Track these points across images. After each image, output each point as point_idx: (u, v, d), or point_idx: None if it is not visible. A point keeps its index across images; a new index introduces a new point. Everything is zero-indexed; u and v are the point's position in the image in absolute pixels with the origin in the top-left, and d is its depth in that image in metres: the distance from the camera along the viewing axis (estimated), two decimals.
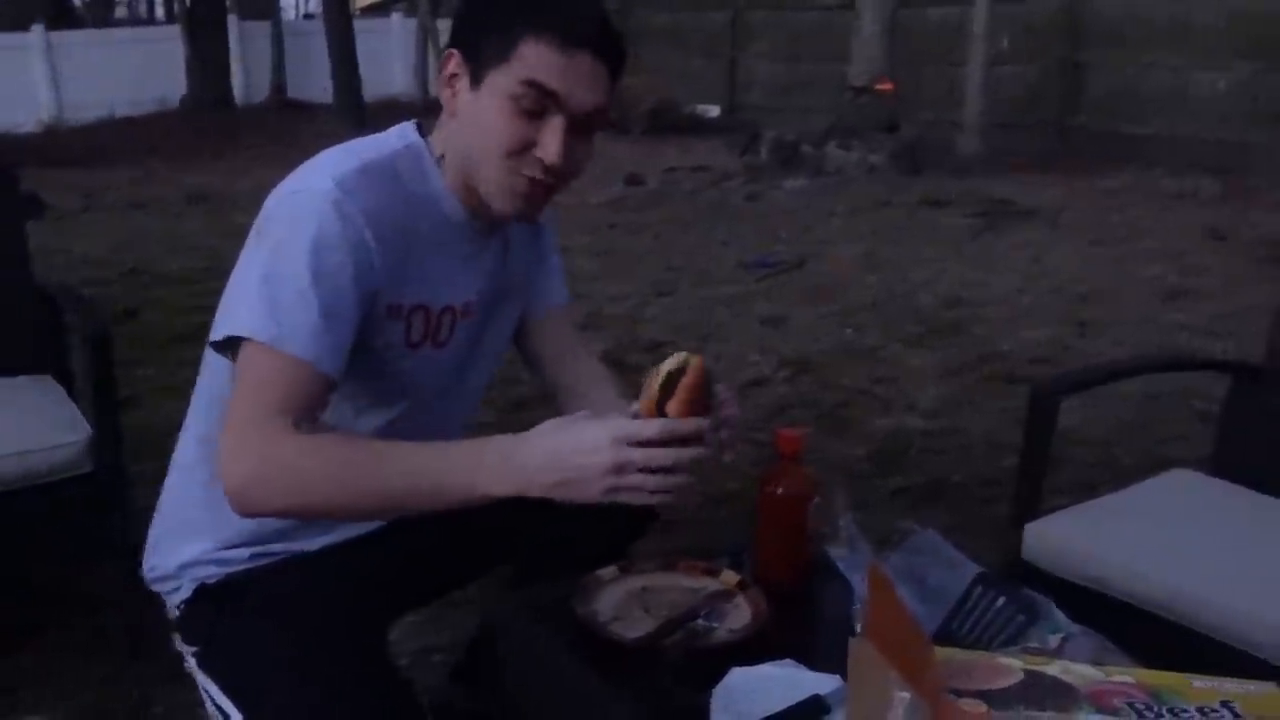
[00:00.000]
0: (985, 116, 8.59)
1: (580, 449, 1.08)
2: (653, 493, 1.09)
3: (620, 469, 1.07)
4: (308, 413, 1.15)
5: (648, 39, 14.68)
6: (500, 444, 1.12)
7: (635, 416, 1.14)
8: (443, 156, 1.29)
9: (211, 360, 1.30)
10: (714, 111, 12.44)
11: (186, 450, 1.40)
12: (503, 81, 1.19)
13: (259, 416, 1.11)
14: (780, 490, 1.35)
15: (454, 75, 1.24)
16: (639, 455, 1.07)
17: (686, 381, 1.13)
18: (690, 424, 1.11)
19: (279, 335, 1.13)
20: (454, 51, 1.23)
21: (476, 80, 1.21)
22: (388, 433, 1.33)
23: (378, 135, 1.32)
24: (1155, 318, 4.61)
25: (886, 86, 8.74)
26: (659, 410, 1.12)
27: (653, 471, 1.09)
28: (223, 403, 1.17)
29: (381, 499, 1.13)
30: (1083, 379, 2.50)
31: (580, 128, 1.22)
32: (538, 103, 1.19)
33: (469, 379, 1.44)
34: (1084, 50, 9.57)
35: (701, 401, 1.15)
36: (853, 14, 9.41)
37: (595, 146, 1.28)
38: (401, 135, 1.31)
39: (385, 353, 1.28)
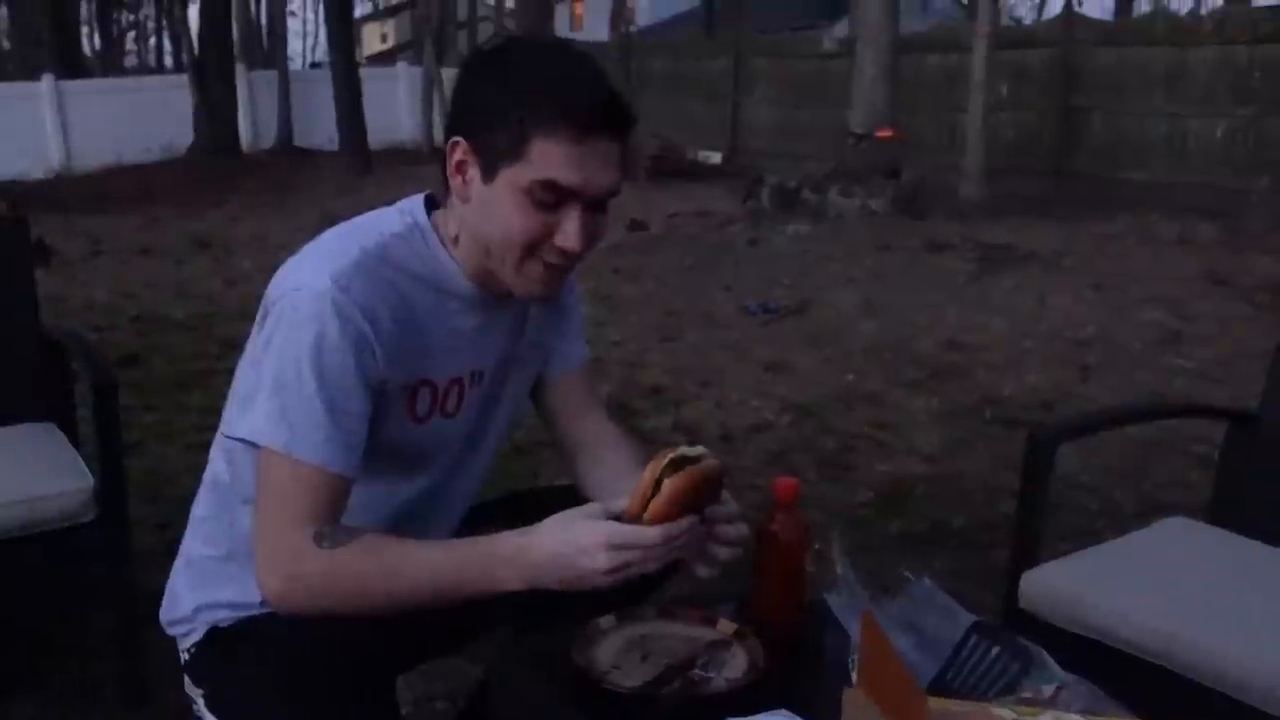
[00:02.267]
0: (985, 162, 8.67)
1: (580, 551, 1.13)
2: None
3: (615, 570, 1.13)
4: (330, 515, 1.21)
5: (650, 85, 14.85)
6: (511, 542, 1.17)
7: (621, 516, 1.16)
8: (457, 238, 1.29)
9: (222, 440, 1.35)
10: (716, 157, 12.54)
11: (199, 507, 1.44)
12: (518, 179, 1.19)
13: (283, 530, 1.19)
14: (777, 537, 1.36)
15: (462, 163, 1.24)
16: (634, 557, 1.13)
17: (676, 484, 1.15)
18: (683, 525, 1.15)
19: (290, 441, 1.19)
20: (460, 140, 1.23)
21: (489, 174, 1.21)
22: (410, 500, 1.39)
23: (383, 211, 1.33)
24: (1154, 362, 4.63)
25: (887, 134, 8.83)
26: (653, 490, 1.15)
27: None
28: (221, 486, 1.30)
29: (405, 602, 1.20)
30: (1081, 425, 2.52)
31: (597, 206, 1.24)
32: (555, 197, 1.20)
33: (484, 441, 1.46)
34: (1082, 96, 9.67)
35: (699, 498, 1.18)
36: (852, 61, 9.53)
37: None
38: (406, 213, 1.32)
39: (394, 429, 1.30)
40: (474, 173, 1.23)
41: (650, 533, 1.14)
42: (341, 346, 1.19)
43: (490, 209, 1.23)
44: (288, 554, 1.19)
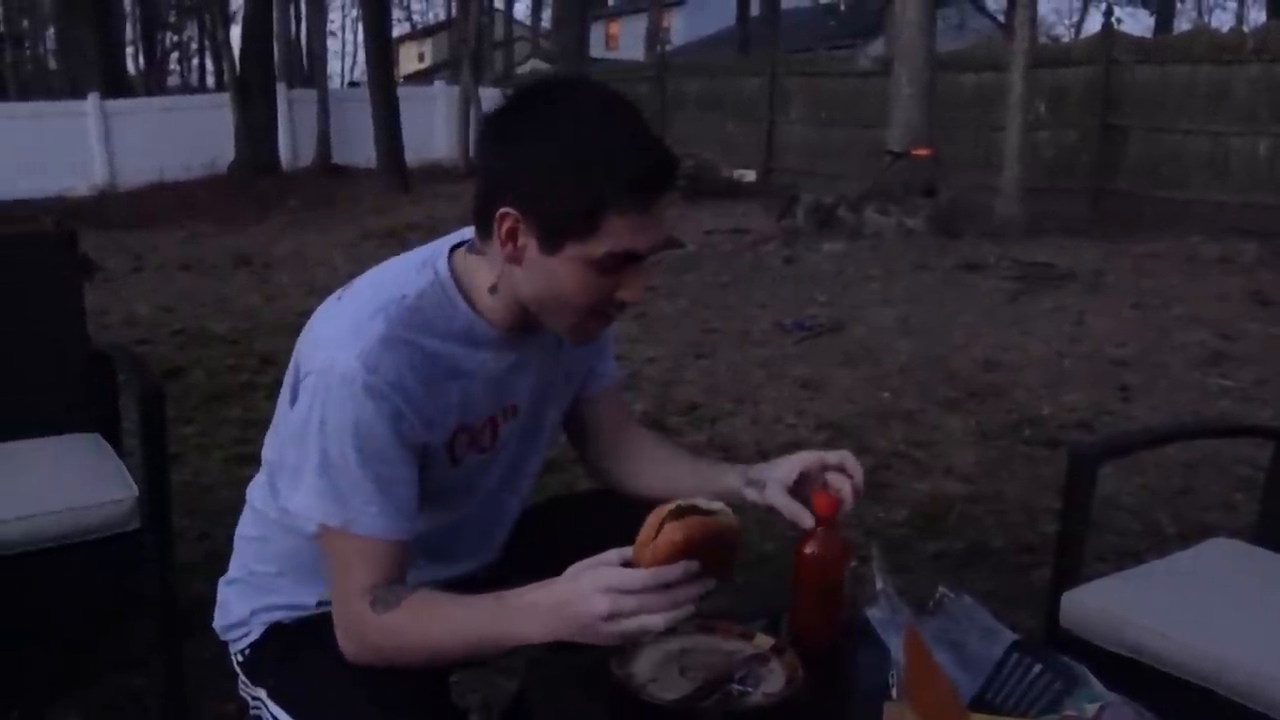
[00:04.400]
0: (1022, 180, 8.61)
1: (581, 598, 1.13)
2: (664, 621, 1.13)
3: (614, 616, 1.11)
4: (393, 577, 1.26)
5: (685, 105, 14.92)
6: (528, 596, 1.18)
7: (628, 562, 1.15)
8: (494, 287, 1.28)
9: (265, 486, 1.41)
10: (751, 175, 12.55)
11: (246, 528, 1.48)
12: (588, 253, 1.19)
13: (350, 601, 1.25)
14: (816, 553, 1.35)
15: (514, 230, 1.21)
16: (632, 603, 1.11)
17: (673, 530, 1.12)
18: (675, 570, 1.12)
19: (347, 520, 1.24)
20: (510, 211, 1.20)
21: (551, 247, 1.20)
22: (454, 528, 1.42)
23: (407, 261, 1.33)
24: (1195, 383, 4.57)
25: (923, 152, 8.80)
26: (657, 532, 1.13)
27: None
28: (267, 520, 1.39)
29: (449, 659, 1.28)
30: (1123, 444, 2.49)
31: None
32: (622, 262, 1.21)
33: (525, 467, 1.48)
34: (1121, 114, 9.59)
35: (705, 551, 1.14)
36: (888, 79, 9.52)
37: None
38: (429, 265, 1.31)
39: (437, 476, 1.33)
40: (528, 241, 1.21)
41: (639, 574, 1.12)
42: (379, 426, 1.22)
43: (550, 276, 1.22)
44: (355, 624, 1.25)
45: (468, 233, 1.32)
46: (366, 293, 1.30)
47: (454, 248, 1.33)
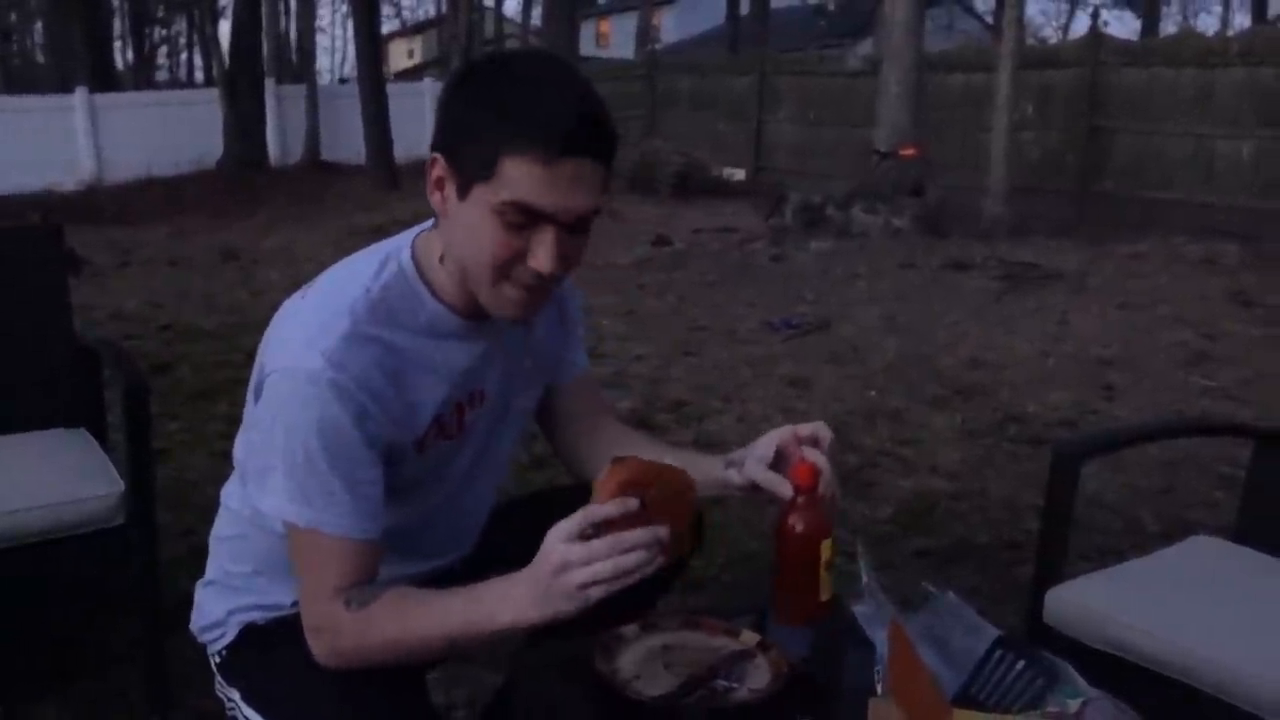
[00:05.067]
0: (1009, 181, 8.65)
1: (544, 558, 1.13)
2: (618, 576, 1.11)
3: (565, 567, 1.11)
4: (363, 576, 1.25)
5: (675, 103, 14.92)
6: (499, 584, 1.18)
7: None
8: (442, 257, 1.28)
9: (237, 485, 1.42)
10: (740, 174, 12.57)
11: (221, 528, 1.48)
12: (488, 198, 1.17)
13: (320, 602, 1.25)
14: (796, 523, 1.33)
15: (440, 179, 1.23)
16: (579, 551, 1.11)
17: (618, 469, 1.13)
18: (610, 508, 1.12)
19: (315, 519, 1.23)
20: (438, 157, 1.22)
21: (463, 191, 1.20)
22: (424, 517, 1.41)
23: (371, 255, 1.32)
24: (1178, 382, 4.60)
25: (910, 152, 8.83)
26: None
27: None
28: (242, 519, 1.39)
29: (429, 654, 1.27)
30: (1106, 441, 2.51)
31: (574, 229, 1.21)
32: (526, 219, 1.17)
33: (493, 457, 1.47)
34: (1107, 116, 9.63)
35: (655, 494, 1.15)
36: (876, 79, 9.54)
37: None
38: (392, 257, 1.30)
39: (403, 465, 1.32)
40: (450, 190, 1.21)
41: (594, 508, 1.13)
42: (345, 425, 1.21)
43: (464, 227, 1.21)
44: (327, 624, 1.24)
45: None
46: (330, 289, 1.29)
47: (419, 234, 1.33)
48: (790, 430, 1.39)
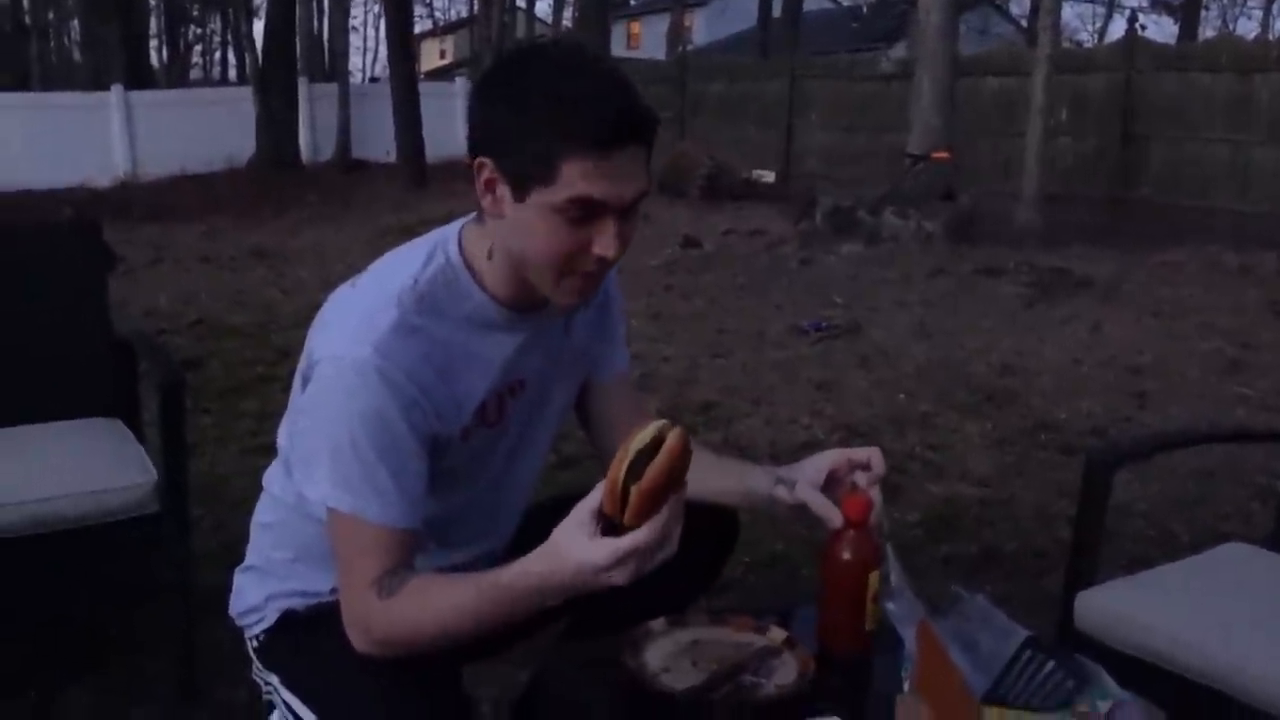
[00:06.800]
0: (1042, 187, 8.58)
1: (596, 571, 1.14)
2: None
3: (631, 576, 1.14)
4: (402, 566, 1.26)
5: (705, 107, 14.90)
6: (532, 575, 1.19)
7: (601, 509, 1.15)
8: (490, 252, 1.30)
9: (281, 472, 1.42)
10: (770, 177, 12.52)
11: (262, 515, 1.50)
12: (548, 199, 1.19)
13: (358, 591, 1.26)
14: (847, 555, 1.34)
15: (491, 181, 1.24)
16: (643, 563, 1.14)
17: (642, 491, 1.12)
18: (664, 516, 1.13)
19: (357, 506, 1.24)
20: (485, 161, 1.23)
21: (519, 194, 1.21)
22: (461, 509, 1.42)
23: (418, 248, 1.34)
24: (1213, 391, 4.55)
25: (943, 156, 8.78)
26: (623, 493, 1.12)
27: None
28: (284, 505, 1.41)
29: (458, 640, 1.26)
30: (1139, 448, 2.48)
31: (628, 212, 1.24)
32: (586, 212, 1.20)
33: (531, 449, 1.48)
34: (1143, 122, 9.54)
35: (671, 482, 1.14)
36: (908, 83, 9.49)
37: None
38: (440, 249, 1.32)
39: (446, 454, 1.33)
40: (504, 191, 1.23)
41: (641, 534, 1.13)
42: (392, 415, 1.23)
43: (525, 228, 1.23)
44: (362, 614, 1.26)
45: None
46: (379, 280, 1.31)
47: (464, 226, 1.34)
48: (844, 454, 1.40)
